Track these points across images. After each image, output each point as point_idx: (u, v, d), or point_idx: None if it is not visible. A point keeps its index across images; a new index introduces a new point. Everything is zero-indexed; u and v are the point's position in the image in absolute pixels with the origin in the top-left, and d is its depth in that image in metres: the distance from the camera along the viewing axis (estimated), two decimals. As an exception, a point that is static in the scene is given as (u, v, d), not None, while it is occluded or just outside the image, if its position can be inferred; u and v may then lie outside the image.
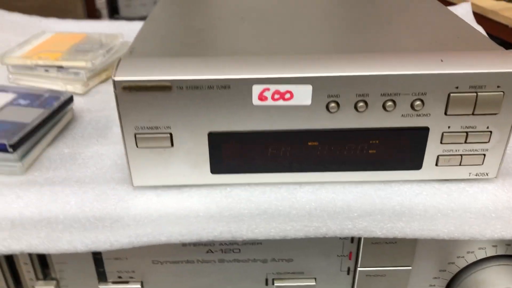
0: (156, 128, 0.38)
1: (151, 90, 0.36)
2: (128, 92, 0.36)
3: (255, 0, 0.53)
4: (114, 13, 2.17)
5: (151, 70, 0.36)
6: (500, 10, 1.09)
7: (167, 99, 0.37)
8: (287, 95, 0.37)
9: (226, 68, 0.37)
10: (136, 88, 0.36)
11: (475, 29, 0.44)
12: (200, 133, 0.39)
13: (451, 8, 0.81)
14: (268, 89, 0.37)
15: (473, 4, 1.08)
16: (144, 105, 0.37)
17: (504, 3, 1.13)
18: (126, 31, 0.76)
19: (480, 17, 1.08)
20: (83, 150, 0.48)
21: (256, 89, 0.37)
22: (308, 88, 0.37)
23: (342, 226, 0.36)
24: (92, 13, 1.87)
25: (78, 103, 0.57)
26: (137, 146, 0.39)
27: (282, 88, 0.37)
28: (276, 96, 0.37)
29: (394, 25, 0.45)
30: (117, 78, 0.36)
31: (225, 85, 0.36)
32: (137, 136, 0.38)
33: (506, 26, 1.04)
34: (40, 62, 0.60)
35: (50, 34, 0.68)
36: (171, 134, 0.38)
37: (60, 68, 0.60)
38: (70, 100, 0.52)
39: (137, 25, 0.80)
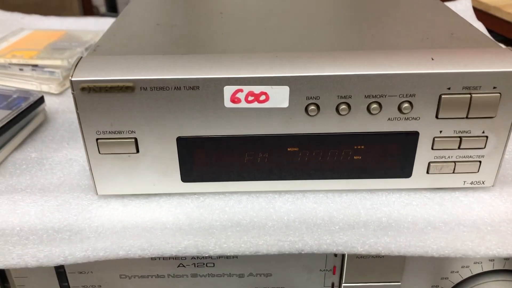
0: (120, 132, 0.35)
1: (112, 91, 0.33)
2: (87, 93, 0.33)
3: (238, -5, 0.50)
4: (112, 10, 2.15)
5: (112, 69, 0.33)
6: (503, 6, 1.05)
7: (130, 101, 0.34)
8: (262, 97, 0.34)
9: (194, 67, 0.33)
10: (95, 89, 0.33)
11: (471, 25, 0.40)
12: (168, 138, 0.35)
13: (450, 4, 0.77)
14: (241, 90, 0.33)
15: (475, 0, 1.05)
16: (106, 108, 0.34)
17: (508, -1, 1.09)
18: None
19: (482, 14, 1.05)
20: (52, 155, 0.45)
21: (228, 90, 0.33)
22: (285, 90, 0.33)
23: (320, 241, 0.33)
24: (89, 11, 1.84)
25: (52, 103, 0.54)
26: (99, 152, 0.35)
27: (257, 89, 0.33)
28: (250, 98, 0.34)
29: (385, 21, 0.42)
30: (74, 78, 0.33)
31: (193, 86, 0.33)
32: (99, 141, 0.35)
33: (509, 23, 1.01)
34: (14, 61, 0.57)
35: (29, 31, 0.65)
36: (136, 139, 0.35)
37: (35, 67, 0.57)
38: (40, 100, 0.49)
39: (123, 22, 0.77)
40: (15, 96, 0.48)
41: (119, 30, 0.41)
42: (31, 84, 0.57)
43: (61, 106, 0.54)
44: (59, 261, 0.33)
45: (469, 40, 0.37)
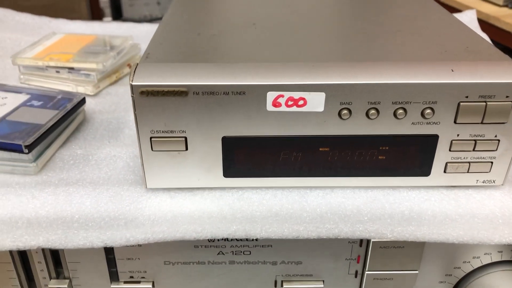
0: (172, 132, 0.39)
1: (167, 95, 0.37)
2: (145, 97, 0.37)
3: (266, 7, 0.54)
4: (117, 12, 2.18)
5: (168, 75, 0.37)
6: (502, 16, 1.10)
7: (183, 104, 0.38)
8: (301, 102, 0.38)
9: (241, 74, 0.37)
10: (153, 93, 0.37)
11: (483, 39, 0.45)
12: (214, 137, 0.39)
13: (456, 15, 0.82)
14: (282, 96, 0.38)
15: (476, 10, 1.09)
16: (160, 110, 0.38)
17: (506, 9, 1.14)
18: (134, 33, 0.78)
19: (483, 23, 1.09)
20: (96, 152, 0.49)
21: (271, 96, 0.37)
22: (321, 95, 0.38)
23: (353, 228, 0.37)
24: (96, 12, 1.87)
25: (89, 104, 0.58)
26: (152, 149, 0.39)
27: (296, 95, 0.37)
28: (290, 103, 0.38)
29: (404, 34, 0.46)
30: (135, 83, 0.37)
31: (240, 91, 0.37)
32: (152, 139, 0.39)
33: (508, 33, 1.05)
34: (52, 63, 0.61)
35: (61, 35, 0.69)
36: (185, 138, 0.39)
37: (71, 69, 0.60)
38: (82, 101, 0.53)
39: (145, 27, 0.81)
40: (59, 97, 0.52)
41: (165, 39, 0.45)
42: (68, 85, 0.60)
43: (97, 106, 0.58)
44: (122, 242, 0.37)
45: (483, 54, 0.41)
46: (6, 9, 0.80)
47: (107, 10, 2.09)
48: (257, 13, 0.52)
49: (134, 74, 0.37)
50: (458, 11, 0.91)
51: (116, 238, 0.37)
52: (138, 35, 0.76)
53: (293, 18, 0.50)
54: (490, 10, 1.14)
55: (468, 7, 1.09)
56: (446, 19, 0.50)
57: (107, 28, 0.81)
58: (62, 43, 0.66)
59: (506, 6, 1.14)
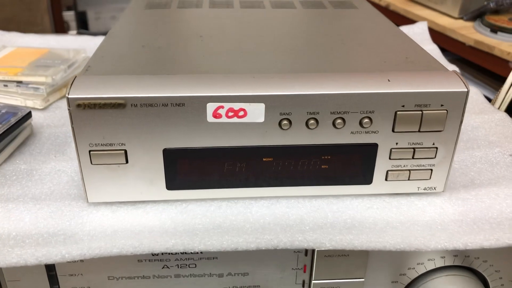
0: (111, 145, 0.38)
1: (105, 107, 0.37)
2: (82, 109, 0.37)
3: (215, 20, 0.54)
4: (83, 26, 2.16)
5: (105, 87, 0.37)
6: (457, 28, 1.13)
7: (122, 116, 0.37)
8: (241, 113, 0.38)
9: (180, 86, 0.37)
10: (90, 106, 0.37)
11: (424, 50, 0.46)
12: (155, 149, 0.39)
13: (408, 27, 0.84)
14: (222, 107, 0.38)
15: (432, 22, 1.13)
16: (99, 122, 0.37)
17: (461, 21, 1.17)
18: (90, 46, 0.77)
19: (439, 35, 1.12)
20: (40, 166, 0.48)
21: (211, 107, 0.37)
22: (261, 106, 0.38)
23: (292, 238, 0.37)
24: (59, 26, 1.85)
25: (37, 118, 0.57)
26: (91, 163, 0.39)
27: (236, 106, 0.38)
28: (230, 114, 0.38)
29: (348, 45, 0.47)
30: (71, 96, 0.36)
31: (179, 103, 0.37)
32: (91, 153, 0.38)
33: (463, 44, 1.08)
34: (-1, 77, 0.60)
35: (11, 48, 0.68)
36: (125, 151, 0.39)
37: (19, 83, 0.59)
38: (28, 115, 0.52)
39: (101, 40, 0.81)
40: (3, 111, 0.51)
41: (107, 52, 0.44)
42: (16, 99, 0.59)
43: (45, 120, 0.57)
44: (57, 258, 0.36)
45: (421, 64, 0.42)
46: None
47: (73, 23, 2.07)
48: (206, 26, 0.52)
49: (71, 87, 0.37)
50: (413, 22, 0.93)
51: (52, 255, 0.36)
52: (94, 47, 0.75)
53: (241, 31, 0.51)
54: (446, 22, 1.17)
55: (426, 19, 1.12)
56: (391, 31, 0.51)
57: (63, 41, 0.80)
58: (12, 57, 0.65)
59: (461, 18, 1.18)
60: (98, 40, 0.80)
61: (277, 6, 0.60)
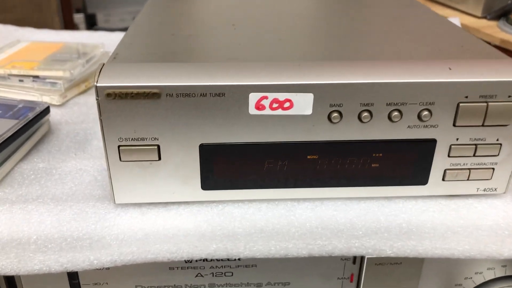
0: (142, 139, 0.35)
1: (137, 97, 0.33)
2: (112, 100, 0.33)
3: (245, 8, 0.51)
4: (92, 27, 2.14)
5: (138, 75, 0.33)
6: (481, 27, 1.09)
7: (155, 108, 0.33)
8: (287, 104, 0.34)
9: (220, 74, 0.34)
10: (121, 95, 0.33)
11: (478, 38, 0.42)
12: (191, 145, 0.35)
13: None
14: (266, 97, 0.34)
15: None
16: (130, 114, 0.34)
17: (485, 21, 1.13)
18: (106, 41, 0.73)
19: (463, 34, 1.08)
20: (60, 165, 0.44)
21: (253, 97, 0.34)
22: (309, 97, 0.34)
23: (349, 244, 0.33)
24: (70, 28, 1.83)
25: (55, 115, 0.53)
26: (120, 160, 0.35)
27: (281, 96, 0.34)
28: (275, 105, 0.34)
29: (394, 33, 0.43)
30: (100, 84, 0.32)
31: (219, 93, 0.33)
32: (120, 148, 0.35)
33: (488, 43, 1.05)
34: (14, 72, 0.56)
35: (26, 43, 0.65)
36: (158, 146, 0.35)
37: (36, 78, 0.56)
38: (46, 111, 0.48)
39: (118, 36, 0.77)
40: (20, 106, 0.48)
41: (135, 40, 0.41)
42: (32, 95, 0.56)
43: (63, 117, 0.53)
44: (84, 265, 0.32)
45: (480, 52, 0.38)
46: (-32, 17, 0.75)
47: (82, 25, 2.05)
48: (236, 14, 0.49)
49: (99, 75, 0.33)
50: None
51: (78, 261, 0.32)
52: (110, 43, 0.71)
53: (274, 19, 0.47)
54: (469, 21, 1.13)
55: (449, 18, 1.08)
56: (436, 19, 0.47)
57: (78, 37, 0.76)
58: (26, 51, 0.62)
59: (484, 17, 1.14)
60: (115, 35, 0.77)
61: (310, -4, 0.56)
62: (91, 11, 2.15)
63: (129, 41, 0.40)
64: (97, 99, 0.33)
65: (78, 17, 2.04)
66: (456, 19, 0.79)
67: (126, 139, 0.34)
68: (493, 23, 1.10)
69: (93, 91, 0.60)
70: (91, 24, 2.14)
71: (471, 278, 0.40)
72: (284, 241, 0.34)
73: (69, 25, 1.81)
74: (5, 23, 0.84)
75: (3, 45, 0.63)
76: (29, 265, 0.32)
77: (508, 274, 0.39)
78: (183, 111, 0.34)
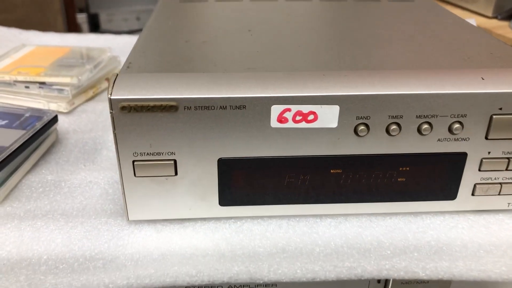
0: (158, 154, 0.33)
1: (154, 110, 0.31)
2: (127, 113, 0.31)
3: (260, 14, 0.49)
4: (95, 28, 2.12)
5: (154, 87, 0.31)
6: (493, 28, 1.07)
7: (172, 121, 0.32)
8: (311, 117, 0.32)
9: (241, 85, 0.32)
10: (136, 108, 0.31)
11: (506, 44, 0.40)
12: (209, 159, 0.33)
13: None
14: (289, 110, 0.32)
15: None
16: (145, 128, 0.32)
17: (495, 21, 1.11)
18: (112, 45, 0.72)
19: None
20: (69, 177, 0.42)
21: (276, 110, 0.32)
22: (335, 109, 0.32)
23: (379, 266, 0.31)
24: (73, 28, 1.81)
25: (62, 123, 0.51)
26: (135, 175, 0.33)
27: (305, 108, 0.32)
28: (298, 118, 0.32)
29: (419, 39, 0.41)
30: (114, 97, 0.31)
31: (240, 105, 0.32)
32: (135, 163, 0.33)
33: (501, 44, 1.03)
34: (20, 78, 0.54)
35: (31, 47, 0.63)
36: (175, 161, 0.33)
37: (42, 84, 0.54)
38: (54, 120, 0.46)
39: (124, 39, 0.76)
40: (27, 115, 0.46)
41: (148, 47, 0.39)
42: (38, 102, 0.54)
43: (71, 125, 0.52)
44: None
45: (511, 60, 0.36)
46: (-29, 20, 0.73)
47: (85, 25, 2.03)
48: (252, 19, 0.47)
49: (113, 86, 0.31)
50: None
51: (93, 285, 0.30)
52: (117, 47, 0.70)
53: (291, 24, 0.45)
54: (479, 21, 1.11)
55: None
56: (460, 24, 0.46)
57: (83, 40, 0.75)
58: (32, 56, 0.60)
59: (495, 17, 1.12)
60: (121, 38, 0.75)
61: (325, -1, 0.54)
62: (94, 11, 2.13)
63: (142, 49, 0.38)
64: (111, 112, 0.31)
65: (81, 17, 2.02)
66: (472, 20, 0.77)
67: (141, 154, 0.33)
68: (504, 23, 1.08)
69: (101, 97, 0.58)
70: (94, 24, 2.12)
71: (501, 296, 0.38)
72: (310, 263, 0.32)
73: (72, 25, 1.79)
74: (6, 23, 0.82)
75: (8, 50, 0.62)
76: (40, 290, 0.30)
77: (539, 293, 0.38)
78: (202, 125, 0.32)
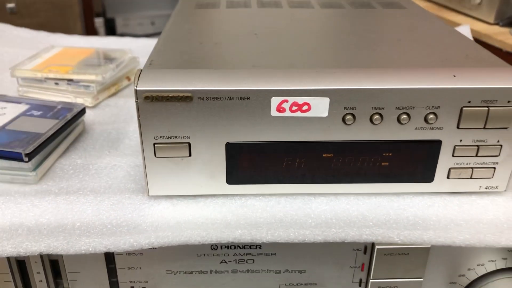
0: (175, 137, 0.39)
1: (172, 100, 0.37)
2: (149, 102, 0.37)
3: (266, 19, 0.55)
4: (111, 32, 2.20)
5: (172, 80, 0.37)
6: (493, 34, 1.12)
7: (187, 109, 0.38)
8: (305, 107, 0.38)
9: (246, 79, 0.38)
10: (157, 98, 0.37)
11: (482, 47, 0.45)
12: (218, 143, 0.39)
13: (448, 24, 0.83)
14: (286, 101, 0.38)
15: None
16: (165, 115, 0.38)
17: (497, 27, 1.16)
18: (132, 47, 0.78)
19: (475, 41, 1.11)
20: (96, 161, 0.48)
21: (275, 101, 0.38)
22: (326, 100, 0.38)
23: (360, 232, 0.37)
24: (91, 32, 1.88)
25: (88, 115, 0.57)
26: (155, 156, 0.39)
27: (300, 100, 0.38)
28: (294, 108, 0.38)
29: (405, 42, 0.46)
30: (139, 88, 0.37)
31: (245, 96, 0.37)
32: (156, 145, 0.39)
33: (500, 50, 1.07)
34: (51, 75, 0.61)
35: (59, 48, 0.69)
36: (189, 144, 0.39)
37: (70, 81, 0.60)
38: (82, 111, 0.52)
39: (142, 42, 0.82)
40: (59, 107, 0.52)
41: (167, 47, 0.45)
42: (67, 97, 0.60)
43: (96, 118, 0.58)
44: (125, 247, 0.36)
45: (483, 61, 0.42)
46: (4, 24, 0.80)
47: (101, 29, 2.10)
48: (258, 24, 0.52)
49: (138, 79, 0.37)
50: (454, 27, 0.92)
51: (119, 243, 0.36)
52: (136, 49, 0.76)
53: (294, 29, 0.51)
54: (481, 28, 1.15)
55: (460, 25, 1.11)
56: (445, 30, 0.51)
57: (105, 42, 0.81)
58: (60, 56, 0.66)
59: (497, 24, 1.16)
60: (140, 41, 0.82)
61: (326, 6, 0.60)
62: (110, 16, 2.21)
63: (162, 48, 0.44)
64: (136, 101, 0.37)
65: (98, 21, 2.10)
66: (466, 27, 0.82)
67: (161, 137, 0.39)
68: (505, 30, 1.12)
69: (122, 93, 0.64)
70: (110, 28, 2.20)
71: (474, 269, 0.43)
72: (302, 229, 0.37)
73: (91, 29, 1.87)
74: (30, 27, 0.88)
75: (39, 50, 0.68)
76: (76, 246, 0.36)
77: (508, 266, 0.43)
78: (212, 113, 0.38)
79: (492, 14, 1.16)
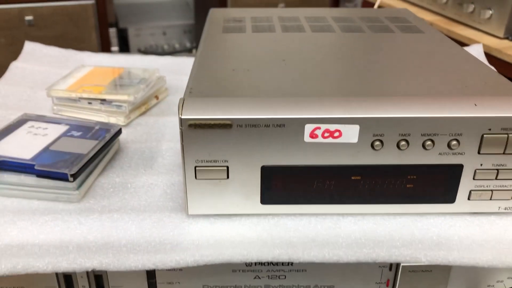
0: (215, 161, 0.42)
1: (213, 127, 0.40)
2: (193, 129, 0.40)
3: (291, 44, 0.58)
4: (123, 42, 2.24)
5: (214, 109, 0.40)
6: (503, 48, 1.14)
7: (227, 136, 0.40)
8: (336, 134, 0.41)
9: (281, 108, 0.40)
10: (200, 126, 0.40)
11: (499, 74, 0.48)
12: (254, 166, 0.42)
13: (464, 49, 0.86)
14: (319, 128, 0.40)
15: (476, 43, 1.14)
16: (206, 141, 0.41)
17: (507, 41, 1.18)
18: (157, 65, 0.81)
19: (485, 55, 1.13)
20: (133, 180, 0.51)
21: (308, 128, 0.40)
22: (356, 128, 0.40)
23: (390, 253, 0.40)
24: (105, 42, 1.92)
25: (121, 134, 0.61)
26: (196, 178, 0.42)
27: (332, 127, 0.40)
28: (326, 134, 0.41)
29: (426, 70, 0.49)
30: (184, 116, 0.40)
31: (280, 124, 0.40)
32: (197, 168, 0.42)
33: (510, 64, 1.09)
34: (85, 95, 0.64)
35: (90, 67, 0.72)
36: (227, 167, 0.42)
37: (103, 101, 0.63)
38: (119, 132, 0.55)
39: (166, 60, 0.85)
40: (97, 127, 0.55)
41: (202, 74, 0.48)
42: (100, 116, 0.63)
43: (129, 136, 0.61)
44: (172, 264, 0.39)
45: (501, 89, 0.44)
46: (34, 43, 0.83)
47: (114, 40, 2.14)
48: (285, 49, 0.55)
49: (182, 109, 0.40)
50: (461, 43, 0.95)
51: (166, 260, 0.39)
52: (160, 67, 0.79)
53: (318, 54, 0.54)
54: (491, 42, 1.18)
55: (470, 40, 1.13)
56: (462, 56, 0.54)
57: (131, 61, 0.84)
58: (92, 76, 0.70)
59: (507, 38, 1.18)
60: (164, 60, 0.85)
61: (346, 30, 0.63)
62: (122, 26, 2.26)
63: (198, 76, 0.47)
64: (180, 129, 0.40)
65: (111, 31, 2.13)
66: (479, 46, 0.84)
67: (201, 161, 0.41)
68: (515, 44, 1.14)
69: (151, 112, 0.68)
70: (122, 38, 2.24)
71: (493, 286, 0.45)
72: (335, 249, 0.40)
73: (105, 41, 1.91)
74: (46, 38, 0.92)
75: (71, 70, 0.71)
76: (126, 263, 0.39)
77: (525, 282, 0.45)
78: (249, 139, 0.41)
79: (502, 29, 1.18)
